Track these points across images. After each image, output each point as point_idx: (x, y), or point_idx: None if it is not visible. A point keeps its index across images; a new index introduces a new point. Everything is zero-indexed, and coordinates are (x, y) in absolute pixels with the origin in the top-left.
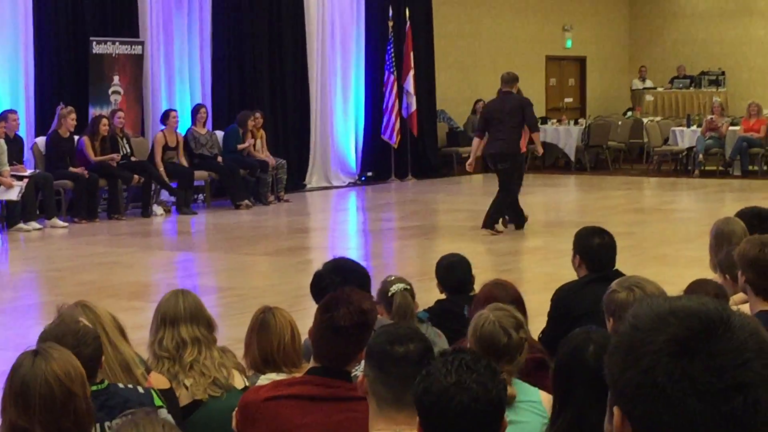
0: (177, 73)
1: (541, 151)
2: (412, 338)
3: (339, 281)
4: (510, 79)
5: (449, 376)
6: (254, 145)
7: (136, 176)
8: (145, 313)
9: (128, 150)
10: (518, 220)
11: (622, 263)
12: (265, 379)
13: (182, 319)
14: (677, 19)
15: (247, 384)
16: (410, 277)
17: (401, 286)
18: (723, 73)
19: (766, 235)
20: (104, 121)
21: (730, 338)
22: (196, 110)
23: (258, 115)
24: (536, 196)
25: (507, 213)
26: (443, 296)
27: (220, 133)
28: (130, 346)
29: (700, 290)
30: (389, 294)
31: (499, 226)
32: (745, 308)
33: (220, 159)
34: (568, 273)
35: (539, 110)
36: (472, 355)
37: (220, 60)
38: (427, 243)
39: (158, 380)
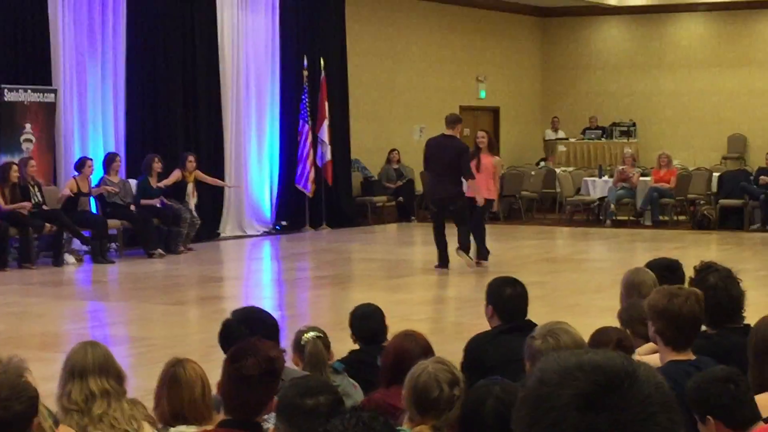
0: (90, 121)
1: (481, 201)
2: (322, 390)
3: (247, 332)
4: (451, 121)
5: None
6: (184, 190)
7: (47, 225)
8: (54, 365)
9: (40, 198)
10: (468, 250)
11: (533, 313)
12: None
13: (91, 372)
14: (589, 71)
15: None
16: (324, 327)
17: (313, 334)
18: (634, 125)
19: (674, 286)
20: (15, 168)
21: (636, 392)
22: (109, 159)
23: (191, 157)
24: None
25: (463, 243)
26: (357, 346)
27: (133, 182)
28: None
29: (602, 338)
30: (302, 342)
31: (466, 258)
32: (655, 358)
33: (132, 208)
34: (481, 323)
35: None
36: (370, 413)
37: (134, 108)
38: (341, 292)
39: None
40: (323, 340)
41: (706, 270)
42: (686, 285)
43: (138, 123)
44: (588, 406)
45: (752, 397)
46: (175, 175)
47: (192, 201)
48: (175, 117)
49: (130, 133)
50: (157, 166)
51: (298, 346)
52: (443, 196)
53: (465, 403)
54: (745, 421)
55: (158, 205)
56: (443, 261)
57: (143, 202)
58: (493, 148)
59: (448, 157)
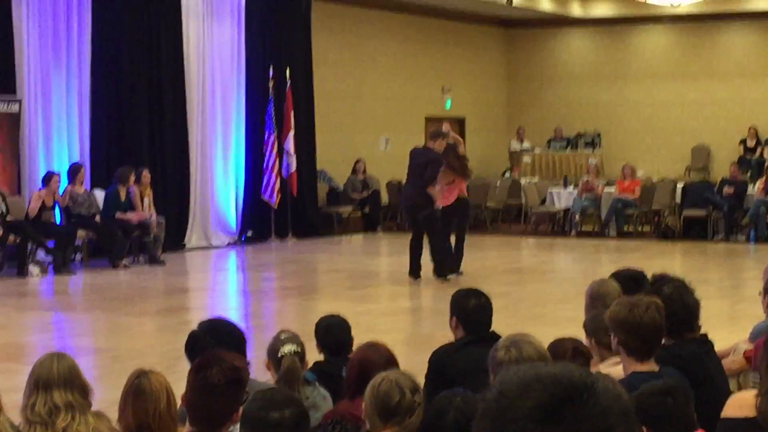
0: (55, 132)
1: (439, 203)
2: (287, 404)
3: (213, 343)
4: (432, 135)
5: None
6: (142, 204)
7: (11, 236)
8: (18, 376)
9: (4, 209)
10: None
11: (498, 324)
12: None
13: (56, 384)
14: (554, 82)
15: None
16: None
17: (292, 348)
18: (599, 135)
19: (635, 296)
20: None
21: (595, 404)
22: (74, 170)
23: (146, 172)
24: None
25: (435, 263)
26: (321, 357)
27: (99, 193)
28: (2, 411)
29: (558, 349)
30: (279, 355)
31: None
32: (618, 370)
33: (98, 218)
34: (446, 334)
35: None
36: (346, 427)
37: (100, 118)
38: (306, 303)
39: None
40: (300, 356)
41: (660, 281)
42: None
43: (103, 133)
44: (547, 418)
45: (689, 411)
46: (139, 210)
47: (147, 214)
48: (140, 127)
49: (95, 144)
50: (132, 178)
51: (274, 355)
52: (409, 204)
53: (426, 413)
54: None
55: (135, 222)
56: (413, 270)
57: (120, 216)
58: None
59: (418, 166)
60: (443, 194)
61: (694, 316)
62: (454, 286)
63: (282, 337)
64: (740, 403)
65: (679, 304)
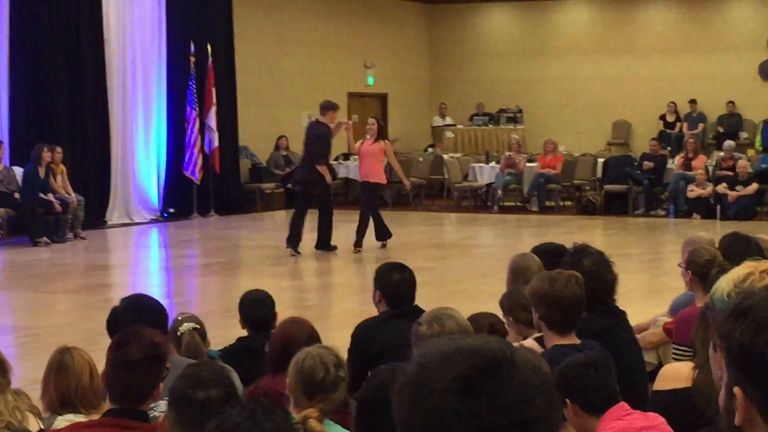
0: None
1: (329, 179)
2: (215, 383)
3: (134, 319)
4: (322, 107)
5: (244, 415)
6: (55, 180)
7: None
8: None
9: None
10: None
11: (421, 299)
12: (63, 421)
13: None
14: (476, 58)
15: (42, 426)
16: (212, 314)
17: (190, 325)
18: (520, 111)
19: (554, 271)
20: None
21: (514, 375)
22: None
23: (58, 149)
24: (338, 231)
25: (319, 236)
26: (245, 332)
27: (18, 170)
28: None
29: (474, 324)
30: (178, 333)
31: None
32: (535, 343)
33: (17, 195)
34: (369, 309)
35: (341, 147)
36: (268, 402)
37: (18, 94)
38: (229, 280)
39: None
40: (200, 331)
41: (580, 253)
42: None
43: (22, 110)
44: (467, 390)
45: (611, 382)
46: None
47: (64, 193)
48: (60, 103)
49: (14, 121)
50: (47, 155)
51: (175, 336)
52: (300, 179)
53: (368, 386)
54: (599, 404)
55: (57, 202)
56: (294, 242)
57: (43, 197)
58: (382, 133)
59: (309, 141)
60: (376, 171)
61: (611, 291)
62: (376, 262)
63: (179, 318)
64: (674, 375)
65: (598, 279)
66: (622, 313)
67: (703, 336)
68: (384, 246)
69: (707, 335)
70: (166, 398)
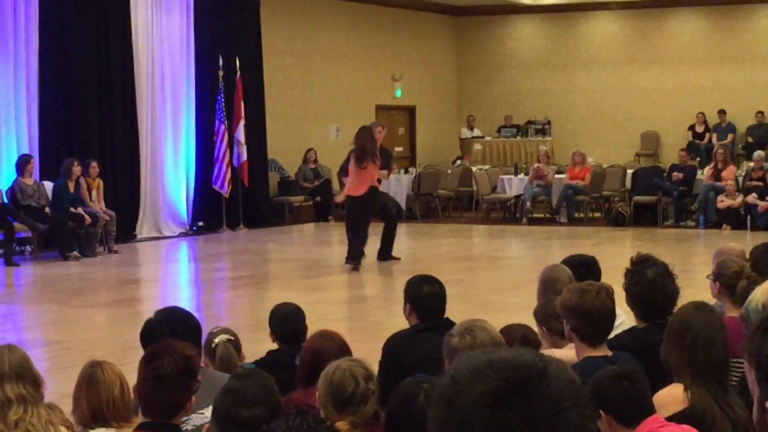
0: (3, 123)
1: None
2: (259, 401)
3: (168, 332)
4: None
5: (293, 427)
6: (90, 195)
7: None
8: None
9: None
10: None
11: (451, 311)
12: None
13: (7, 377)
14: (504, 70)
15: None
16: (242, 328)
17: (225, 337)
18: (548, 123)
19: (585, 282)
20: None
21: (546, 388)
22: (23, 161)
23: (94, 164)
24: (368, 244)
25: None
26: (276, 346)
27: (48, 184)
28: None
29: (506, 336)
30: (212, 345)
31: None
32: (570, 354)
33: (47, 210)
34: (400, 322)
35: None
36: (315, 417)
37: (48, 109)
38: (259, 293)
39: None
40: (234, 343)
41: (643, 263)
42: (609, 280)
43: (52, 125)
44: (498, 403)
45: (646, 394)
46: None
47: (97, 207)
48: (90, 118)
49: (43, 135)
50: (77, 169)
51: (209, 348)
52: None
53: (393, 400)
54: (633, 416)
55: (87, 217)
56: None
57: (73, 211)
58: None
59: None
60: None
61: (671, 304)
62: (406, 275)
63: (214, 331)
64: (671, 400)
65: (660, 290)
66: None
67: (679, 354)
68: (354, 268)
69: (683, 354)
70: (198, 412)
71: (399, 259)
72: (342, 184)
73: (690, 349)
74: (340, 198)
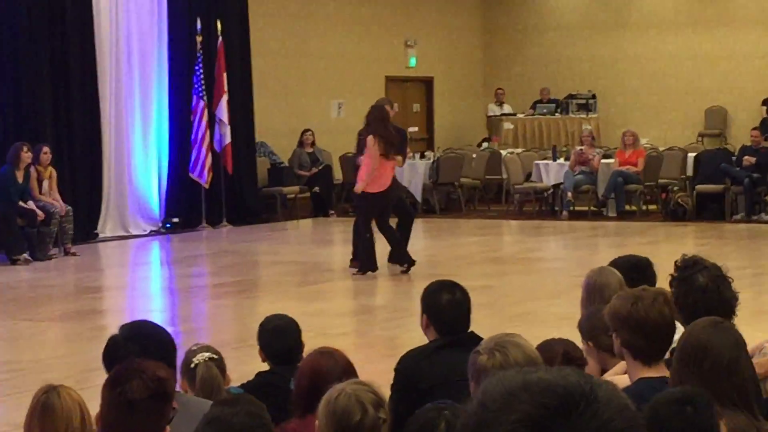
0: None
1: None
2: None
3: (137, 350)
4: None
5: None
6: (40, 187)
7: None
8: None
9: None
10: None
11: (477, 324)
12: None
13: None
14: (539, 34)
15: None
16: (226, 345)
17: (206, 356)
18: (593, 97)
19: (638, 288)
20: None
21: (593, 416)
22: None
23: (46, 149)
24: (376, 243)
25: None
26: (266, 366)
27: None
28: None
29: (545, 353)
30: (192, 366)
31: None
32: (624, 378)
33: None
34: (415, 336)
35: None
36: None
37: None
38: (246, 303)
39: None
40: (217, 362)
41: (692, 267)
42: (666, 284)
43: None
44: None
45: (714, 421)
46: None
47: (50, 200)
48: (43, 97)
49: None
50: (27, 156)
51: (188, 369)
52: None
53: (411, 428)
54: None
55: (39, 213)
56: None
57: (23, 206)
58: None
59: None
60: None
61: (730, 313)
62: (423, 280)
63: (193, 348)
64: None
65: (715, 297)
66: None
67: (699, 383)
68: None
69: (704, 382)
70: None
71: (414, 262)
72: (354, 172)
73: (710, 375)
74: (360, 187)
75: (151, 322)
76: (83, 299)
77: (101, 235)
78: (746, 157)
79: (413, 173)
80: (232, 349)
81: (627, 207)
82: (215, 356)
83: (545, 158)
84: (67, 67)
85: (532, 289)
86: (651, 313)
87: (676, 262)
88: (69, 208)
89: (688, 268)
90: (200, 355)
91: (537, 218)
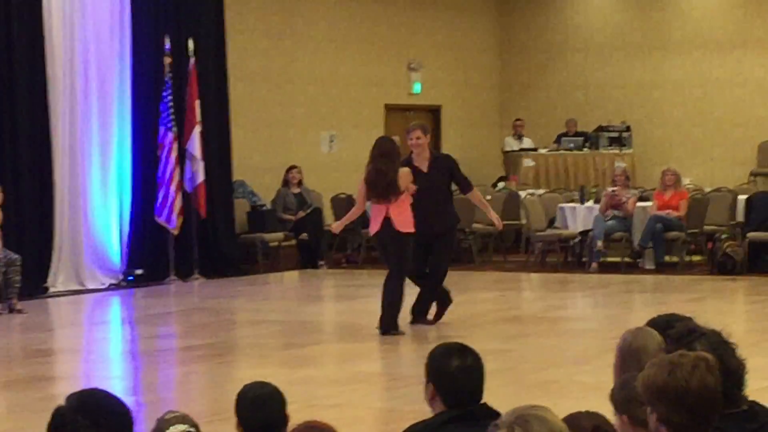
0: None
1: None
2: None
3: (87, 424)
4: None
5: None
6: None
7: None
8: None
9: None
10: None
11: (491, 395)
12: None
13: None
14: (565, 56)
15: None
16: (198, 417)
17: (182, 427)
18: (628, 129)
19: (675, 353)
20: None
21: None
22: None
23: None
24: (373, 299)
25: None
26: None
27: None
28: None
29: (574, 428)
30: None
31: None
32: None
33: None
34: (419, 409)
35: None
36: None
37: None
38: (220, 369)
39: None
40: None
41: (687, 336)
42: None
43: None
44: None
45: None
46: None
47: None
48: None
49: None
50: None
51: None
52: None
53: None
54: None
55: None
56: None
57: None
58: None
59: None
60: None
61: (737, 384)
62: (427, 343)
63: (167, 417)
64: None
65: (721, 369)
66: (758, 415)
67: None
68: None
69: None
70: None
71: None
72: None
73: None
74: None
75: (104, 391)
76: (30, 364)
77: (52, 290)
78: None
79: None
80: (206, 422)
81: (667, 258)
82: (192, 429)
83: (571, 201)
84: (13, 94)
85: (555, 353)
86: (692, 383)
87: (668, 332)
88: (16, 256)
89: (683, 338)
90: (174, 427)
91: (562, 271)
